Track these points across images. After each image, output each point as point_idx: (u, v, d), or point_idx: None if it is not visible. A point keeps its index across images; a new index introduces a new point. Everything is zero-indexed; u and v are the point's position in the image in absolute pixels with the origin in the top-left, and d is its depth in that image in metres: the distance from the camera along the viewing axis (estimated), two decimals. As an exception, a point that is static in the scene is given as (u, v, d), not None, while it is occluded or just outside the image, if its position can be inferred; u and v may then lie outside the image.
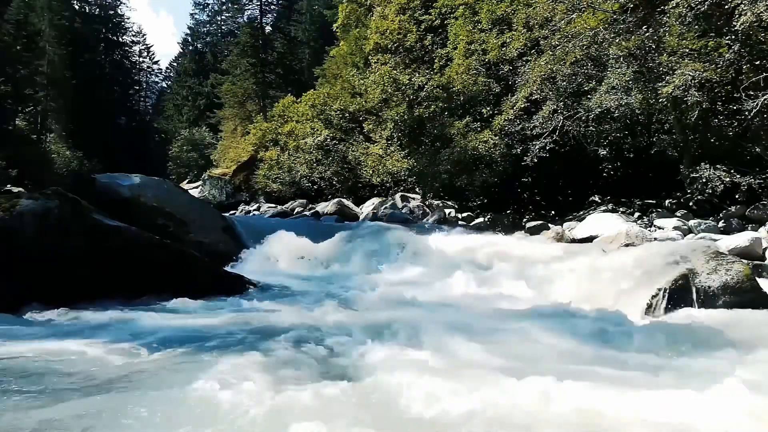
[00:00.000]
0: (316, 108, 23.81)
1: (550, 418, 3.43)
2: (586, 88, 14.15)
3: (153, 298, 6.66)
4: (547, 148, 14.28)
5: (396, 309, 6.63)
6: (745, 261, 7.40)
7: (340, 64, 27.29)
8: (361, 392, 3.83)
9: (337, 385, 3.94)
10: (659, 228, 11.61)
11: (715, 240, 9.80)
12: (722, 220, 11.63)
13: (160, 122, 54.08)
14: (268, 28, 46.54)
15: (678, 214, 12.45)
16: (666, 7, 12.05)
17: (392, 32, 20.69)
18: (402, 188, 19.70)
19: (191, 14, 76.87)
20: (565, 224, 13.15)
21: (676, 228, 11.30)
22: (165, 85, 61.57)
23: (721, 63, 11.50)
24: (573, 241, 11.78)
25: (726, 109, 12.19)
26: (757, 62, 11.25)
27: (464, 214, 16.77)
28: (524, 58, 15.90)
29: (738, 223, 11.33)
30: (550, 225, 13.50)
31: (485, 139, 16.21)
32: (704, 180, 11.86)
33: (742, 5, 10.50)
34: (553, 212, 15.46)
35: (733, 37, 11.28)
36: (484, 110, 17.25)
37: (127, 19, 63.26)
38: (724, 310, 6.28)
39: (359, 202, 20.83)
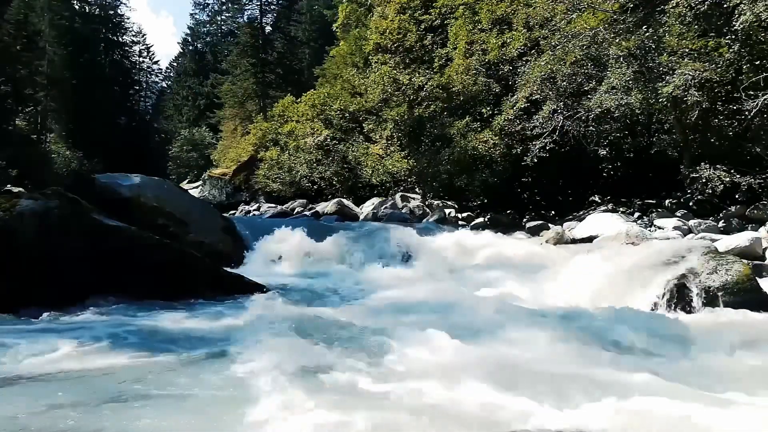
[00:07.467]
0: (316, 108, 23.83)
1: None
2: (586, 88, 14.13)
3: (153, 298, 6.64)
4: (547, 148, 14.26)
5: (396, 310, 6.62)
6: (745, 261, 7.39)
7: (340, 64, 27.29)
8: (360, 394, 3.83)
9: (338, 388, 3.94)
10: (659, 228, 11.60)
11: (715, 240, 9.79)
12: (722, 220, 11.62)
13: (160, 122, 54.07)
14: (268, 28, 46.58)
15: (678, 214, 12.43)
16: (666, 7, 12.05)
17: (392, 32, 20.66)
18: (402, 188, 19.70)
19: (191, 14, 77.27)
20: (565, 224, 13.14)
21: (676, 228, 11.28)
22: (165, 85, 61.66)
23: (721, 63, 11.50)
24: (573, 241, 11.78)
25: (726, 109, 12.19)
26: (757, 62, 11.25)
27: (464, 214, 16.76)
28: (524, 58, 15.89)
29: (738, 223, 11.31)
30: (550, 225, 13.49)
31: (485, 139, 16.20)
32: (704, 180, 11.85)
33: (742, 5, 10.50)
34: (553, 212, 15.46)
35: (733, 37, 11.28)
36: (484, 110, 17.24)
37: (127, 19, 63.09)
38: (725, 310, 6.28)
39: (359, 202, 20.83)
